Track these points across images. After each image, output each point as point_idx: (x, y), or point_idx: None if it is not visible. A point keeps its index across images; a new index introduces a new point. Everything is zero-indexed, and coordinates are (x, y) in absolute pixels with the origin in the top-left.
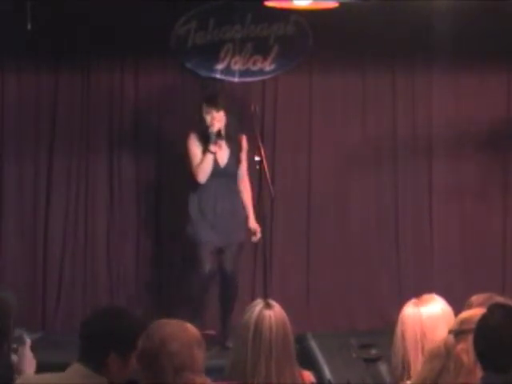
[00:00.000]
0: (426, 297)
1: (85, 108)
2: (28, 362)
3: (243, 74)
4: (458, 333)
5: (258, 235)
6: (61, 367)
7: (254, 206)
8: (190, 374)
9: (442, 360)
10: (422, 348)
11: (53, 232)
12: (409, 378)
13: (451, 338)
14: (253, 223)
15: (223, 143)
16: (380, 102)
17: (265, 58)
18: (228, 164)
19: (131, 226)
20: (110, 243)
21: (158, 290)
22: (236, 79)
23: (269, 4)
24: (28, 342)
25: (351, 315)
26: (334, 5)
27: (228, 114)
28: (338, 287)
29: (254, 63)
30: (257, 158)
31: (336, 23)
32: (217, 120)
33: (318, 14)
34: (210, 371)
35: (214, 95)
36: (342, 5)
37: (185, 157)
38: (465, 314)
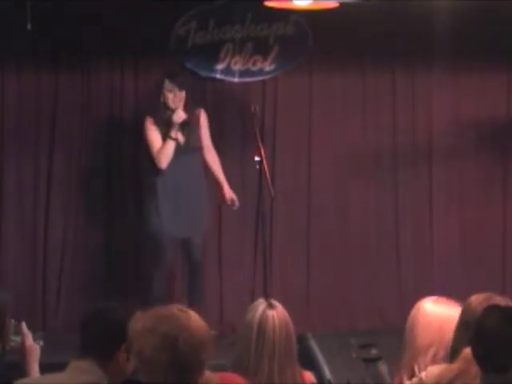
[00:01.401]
0: (445, 299)
1: (85, 108)
2: (31, 352)
3: (243, 74)
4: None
5: (236, 203)
6: (61, 367)
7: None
8: (197, 371)
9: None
10: (434, 344)
11: (53, 232)
12: (413, 369)
13: (467, 361)
14: (228, 192)
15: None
16: (380, 102)
17: (265, 58)
18: (186, 141)
19: (131, 225)
20: (110, 243)
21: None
22: (236, 79)
23: (269, 4)
24: (27, 332)
25: (351, 315)
26: (334, 5)
27: (186, 92)
28: (338, 287)
29: (254, 63)
30: (257, 158)
31: (336, 23)
32: (178, 99)
33: (318, 14)
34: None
35: (177, 73)
36: (342, 5)
37: (143, 141)
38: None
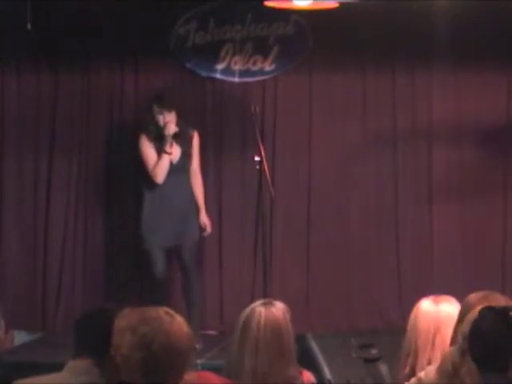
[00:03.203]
0: (444, 297)
1: (85, 108)
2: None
3: (243, 74)
4: (464, 351)
5: (208, 229)
6: (61, 367)
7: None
8: (172, 376)
9: (449, 378)
10: (433, 344)
11: (53, 232)
12: (413, 369)
13: (457, 357)
14: (203, 218)
15: (178, 140)
16: (380, 102)
17: (265, 58)
18: (179, 160)
19: (131, 225)
20: (110, 243)
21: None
22: (236, 79)
23: (269, 4)
24: None
25: (351, 315)
26: (334, 5)
27: (177, 114)
28: (338, 287)
29: (254, 63)
30: (257, 158)
31: (336, 23)
32: (169, 121)
33: (318, 14)
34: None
35: (163, 96)
36: (341, 5)
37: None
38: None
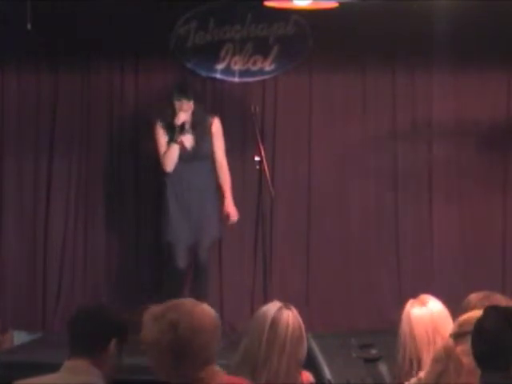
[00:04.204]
0: (424, 296)
1: (85, 108)
2: None
3: (243, 74)
4: (457, 335)
5: (233, 219)
6: (61, 367)
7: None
8: (213, 366)
9: (443, 363)
10: (435, 343)
11: (53, 232)
12: (418, 373)
13: (451, 341)
14: (228, 206)
15: (189, 127)
16: (380, 102)
17: (265, 58)
18: (196, 147)
19: (131, 225)
20: (110, 243)
21: (159, 290)
22: (236, 79)
23: (269, 4)
24: None
25: (351, 315)
26: (334, 5)
27: (196, 102)
28: (338, 287)
29: (254, 63)
30: (257, 158)
31: (336, 23)
32: (185, 109)
33: (318, 14)
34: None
35: (186, 85)
36: (341, 5)
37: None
38: (463, 317)
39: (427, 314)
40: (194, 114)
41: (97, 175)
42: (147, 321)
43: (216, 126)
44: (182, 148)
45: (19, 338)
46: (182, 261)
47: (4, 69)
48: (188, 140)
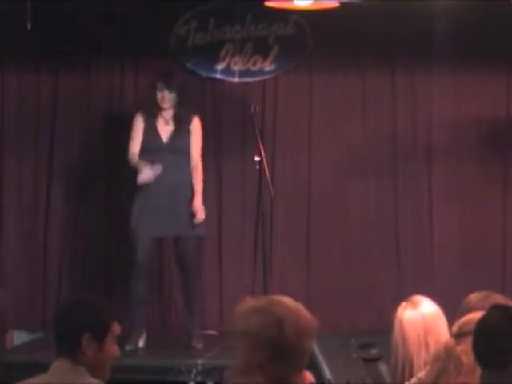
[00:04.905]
0: (416, 298)
1: (85, 108)
2: None
3: (243, 74)
4: (457, 335)
5: (199, 217)
6: None
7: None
8: (297, 361)
9: (442, 362)
10: (426, 346)
11: (53, 232)
12: (410, 376)
13: (451, 340)
14: (196, 203)
15: (170, 119)
16: (380, 102)
17: (265, 58)
18: (172, 140)
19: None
20: (110, 243)
21: (160, 290)
22: (236, 79)
23: (269, 4)
24: None
25: (351, 315)
26: (334, 5)
27: (182, 97)
28: (338, 287)
29: (254, 63)
30: (257, 158)
31: (336, 23)
32: (166, 101)
33: (318, 14)
34: (210, 371)
35: (169, 74)
36: (342, 5)
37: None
38: (465, 318)
39: (418, 316)
40: (177, 107)
41: (96, 175)
42: (245, 312)
43: (195, 123)
44: (158, 139)
45: (19, 337)
46: (141, 251)
47: (4, 69)
48: (166, 132)
